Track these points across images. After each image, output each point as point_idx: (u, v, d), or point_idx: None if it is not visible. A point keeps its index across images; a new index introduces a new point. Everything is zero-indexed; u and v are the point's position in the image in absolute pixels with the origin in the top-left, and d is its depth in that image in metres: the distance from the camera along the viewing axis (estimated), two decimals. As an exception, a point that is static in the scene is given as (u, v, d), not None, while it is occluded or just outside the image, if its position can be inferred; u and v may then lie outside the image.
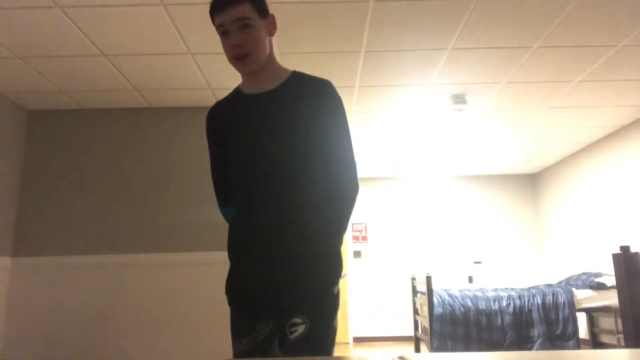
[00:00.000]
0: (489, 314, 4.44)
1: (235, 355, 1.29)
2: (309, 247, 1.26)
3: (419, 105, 4.18)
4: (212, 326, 3.62)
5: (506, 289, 4.81)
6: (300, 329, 1.22)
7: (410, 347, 6.10)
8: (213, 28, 2.84)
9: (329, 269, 1.28)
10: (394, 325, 6.69)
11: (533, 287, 4.81)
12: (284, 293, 1.25)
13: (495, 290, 4.73)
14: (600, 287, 4.59)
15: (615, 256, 2.88)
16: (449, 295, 4.57)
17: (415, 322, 5.40)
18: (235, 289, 1.31)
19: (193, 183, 3.86)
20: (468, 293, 4.60)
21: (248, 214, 1.30)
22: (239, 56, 1.30)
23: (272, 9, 2.65)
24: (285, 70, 1.40)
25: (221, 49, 3.09)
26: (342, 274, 1.33)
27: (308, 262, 1.25)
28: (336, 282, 1.29)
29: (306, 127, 1.31)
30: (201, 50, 3.09)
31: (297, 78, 1.38)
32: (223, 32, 1.29)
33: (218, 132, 1.41)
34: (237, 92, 1.43)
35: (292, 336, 1.22)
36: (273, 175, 1.29)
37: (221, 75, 3.45)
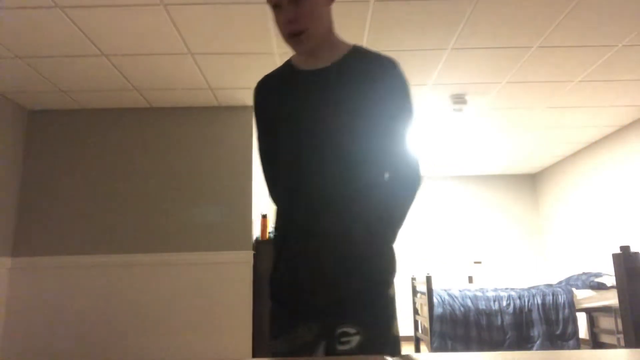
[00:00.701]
0: (489, 314, 4.44)
1: (273, 354, 1.16)
2: (359, 244, 1.11)
3: (419, 105, 4.18)
4: (212, 325, 3.62)
5: (506, 289, 4.80)
6: (355, 340, 1.06)
7: (410, 347, 6.10)
8: (213, 28, 2.84)
9: (383, 268, 1.13)
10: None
11: (533, 287, 4.81)
12: (331, 294, 1.10)
13: (495, 290, 4.73)
14: (600, 287, 4.59)
15: (615, 256, 2.88)
16: (449, 295, 4.56)
17: (415, 322, 5.40)
18: (277, 284, 1.18)
19: (193, 183, 3.86)
20: (468, 293, 4.60)
21: (292, 203, 1.16)
22: (293, 33, 1.14)
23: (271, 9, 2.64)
24: (344, 44, 1.23)
25: (221, 49, 3.08)
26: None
27: (358, 260, 1.10)
28: (391, 284, 1.14)
29: (362, 110, 1.13)
30: (201, 50, 3.09)
31: (357, 54, 1.21)
32: (275, 6, 1.15)
33: (265, 109, 1.27)
34: (288, 65, 1.27)
35: (344, 347, 1.07)
36: (321, 161, 1.13)
37: (221, 75, 3.45)
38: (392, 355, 1.08)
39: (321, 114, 1.15)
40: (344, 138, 1.13)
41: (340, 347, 1.07)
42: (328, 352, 1.11)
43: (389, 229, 1.16)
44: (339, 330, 1.08)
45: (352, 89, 1.15)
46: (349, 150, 1.13)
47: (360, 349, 1.06)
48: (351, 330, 1.07)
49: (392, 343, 1.10)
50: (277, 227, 1.21)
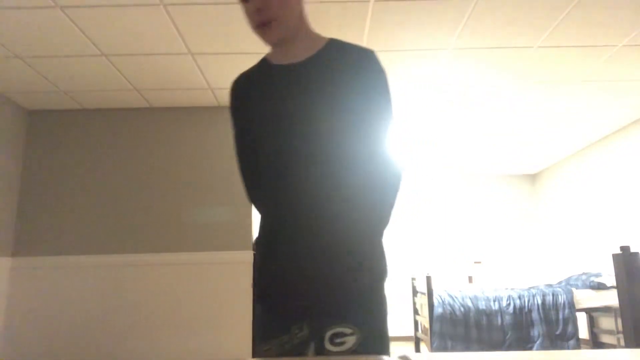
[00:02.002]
0: (489, 314, 4.44)
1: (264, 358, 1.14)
2: (349, 243, 1.09)
3: (419, 105, 4.18)
4: (212, 325, 3.62)
5: (506, 289, 4.80)
6: (351, 340, 1.04)
7: (410, 347, 6.10)
8: (213, 28, 2.83)
9: (375, 266, 1.11)
10: (394, 325, 6.69)
11: (533, 287, 4.81)
12: (323, 294, 1.07)
13: (495, 290, 4.73)
14: (600, 287, 4.59)
15: (615, 256, 2.88)
16: (449, 295, 4.56)
17: (415, 322, 5.40)
18: (267, 285, 1.14)
19: (193, 183, 3.86)
20: (468, 293, 4.60)
21: (279, 204, 1.12)
22: (262, 23, 1.09)
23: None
24: (320, 37, 1.19)
25: (221, 49, 3.08)
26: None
27: (350, 259, 1.08)
28: (383, 282, 1.12)
29: (344, 104, 1.10)
30: (201, 50, 3.09)
31: (335, 46, 1.16)
32: None
33: (242, 109, 1.21)
34: (264, 62, 1.22)
35: (338, 348, 1.04)
36: (307, 160, 1.10)
37: (221, 75, 3.45)
38: (385, 355, 1.07)
39: (300, 108, 1.11)
40: (325, 133, 1.10)
41: (334, 349, 1.04)
42: (318, 354, 1.09)
43: (376, 227, 1.15)
44: (333, 331, 1.05)
45: (330, 83, 1.11)
46: (331, 146, 1.10)
47: (356, 351, 1.03)
48: (347, 331, 1.04)
49: (385, 344, 1.09)
50: (262, 229, 1.17)
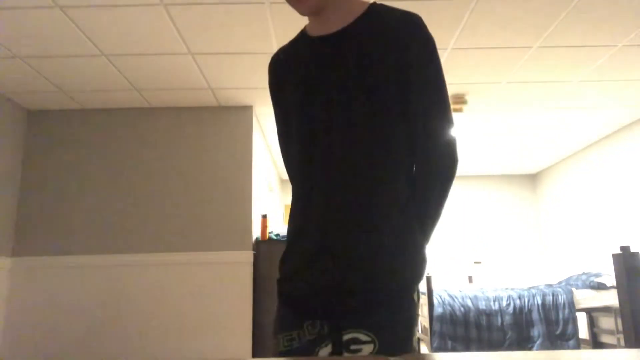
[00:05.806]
0: (489, 314, 4.44)
1: (273, 353, 1.03)
2: (385, 240, 0.95)
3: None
4: (212, 325, 3.62)
5: (506, 289, 4.80)
6: (366, 349, 0.91)
7: (410, 347, 6.09)
8: (213, 28, 2.83)
9: (409, 269, 0.96)
10: (394, 325, 6.68)
11: (533, 287, 4.81)
12: (347, 294, 0.95)
13: (495, 290, 4.73)
14: (600, 287, 4.59)
15: (615, 256, 2.88)
16: (449, 295, 4.56)
17: (415, 322, 5.39)
18: (287, 280, 1.04)
19: (193, 183, 3.86)
20: (468, 293, 4.60)
21: (310, 193, 1.00)
22: None
23: (272, 8, 2.65)
24: (360, 3, 1.06)
25: (221, 49, 3.08)
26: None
27: (383, 258, 0.94)
28: (415, 288, 0.98)
29: (387, 77, 0.97)
30: (201, 50, 3.09)
31: (376, 12, 1.03)
32: None
33: (279, 87, 1.11)
34: (302, 34, 1.12)
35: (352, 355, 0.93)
36: (342, 143, 0.97)
37: (221, 75, 3.45)
38: None
39: (335, 84, 0.99)
40: (365, 112, 0.97)
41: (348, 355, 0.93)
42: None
43: (424, 223, 1.01)
44: (349, 336, 0.93)
45: (371, 53, 0.98)
46: (372, 128, 0.97)
47: None
48: (363, 338, 0.91)
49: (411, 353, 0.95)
50: (291, 221, 1.06)
